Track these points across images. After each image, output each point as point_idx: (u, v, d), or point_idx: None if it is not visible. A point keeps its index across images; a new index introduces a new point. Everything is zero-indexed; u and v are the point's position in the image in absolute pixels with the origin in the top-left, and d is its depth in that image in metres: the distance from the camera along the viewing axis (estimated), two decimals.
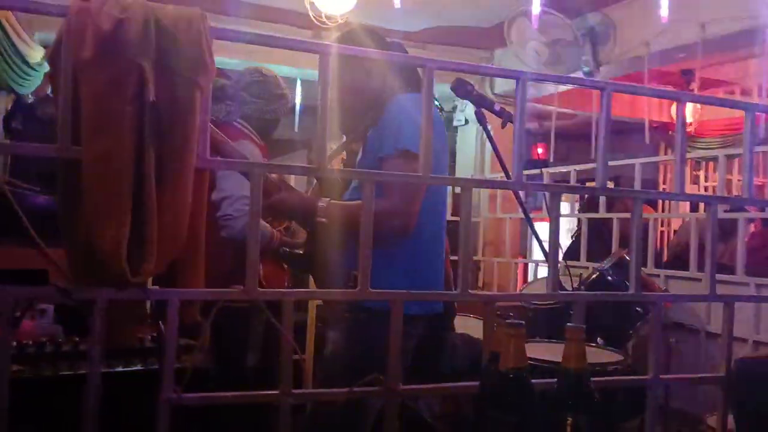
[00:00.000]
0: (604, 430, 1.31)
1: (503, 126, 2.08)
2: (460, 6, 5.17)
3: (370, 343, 1.73)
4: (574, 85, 4.83)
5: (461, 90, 2.11)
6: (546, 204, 1.68)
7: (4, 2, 1.43)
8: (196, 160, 1.25)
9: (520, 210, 2.37)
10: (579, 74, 4.94)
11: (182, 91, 1.21)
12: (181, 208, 1.23)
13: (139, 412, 1.46)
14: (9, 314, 1.24)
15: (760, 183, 6.15)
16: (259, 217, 1.38)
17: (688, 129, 6.36)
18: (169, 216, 1.21)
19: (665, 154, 7.47)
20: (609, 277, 3.42)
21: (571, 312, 1.66)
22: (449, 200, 4.44)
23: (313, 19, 4.53)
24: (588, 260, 4.52)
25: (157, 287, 1.35)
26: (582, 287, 3.35)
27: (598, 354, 2.98)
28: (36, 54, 4.24)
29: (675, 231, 6.60)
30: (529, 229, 2.37)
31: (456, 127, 6.48)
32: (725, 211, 4.05)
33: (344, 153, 2.39)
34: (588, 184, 3.01)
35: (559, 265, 1.61)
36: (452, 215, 3.34)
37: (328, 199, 1.96)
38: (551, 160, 6.13)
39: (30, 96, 4.42)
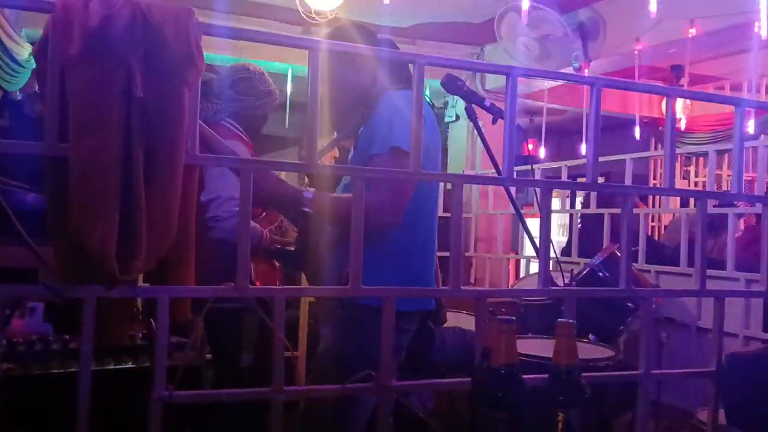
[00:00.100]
0: (596, 425, 1.31)
1: (494, 122, 2.08)
2: (449, 1, 5.17)
3: (363, 339, 1.73)
4: (564, 81, 4.85)
5: (451, 86, 2.11)
6: (537, 200, 1.68)
7: None
8: (185, 156, 1.24)
9: (511, 206, 2.37)
10: (569, 70, 4.94)
11: (170, 87, 1.20)
12: (170, 205, 1.22)
13: (131, 410, 1.45)
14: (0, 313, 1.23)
15: (749, 178, 6.17)
16: (249, 216, 1.37)
17: (678, 124, 6.38)
18: (158, 213, 1.20)
19: (655, 149, 7.49)
20: (600, 273, 3.43)
21: (563, 308, 1.66)
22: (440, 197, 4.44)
23: (303, 15, 4.52)
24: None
25: (147, 285, 1.34)
26: (573, 283, 3.36)
27: (589, 349, 2.99)
28: (23, 51, 4.21)
29: (665, 226, 6.62)
30: (520, 225, 2.37)
31: (447, 124, 6.48)
32: (714, 206, 4.07)
33: (336, 150, 2.39)
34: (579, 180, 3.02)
35: (550, 260, 1.62)
36: (443, 211, 3.34)
37: (313, 189, 1.95)
38: (542, 156, 6.14)
39: (18, 93, 4.39)
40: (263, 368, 2.82)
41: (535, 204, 1.78)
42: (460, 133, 6.46)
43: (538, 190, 1.67)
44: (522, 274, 5.70)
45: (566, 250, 4.99)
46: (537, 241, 1.70)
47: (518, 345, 1.29)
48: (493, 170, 2.11)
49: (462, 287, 1.54)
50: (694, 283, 1.75)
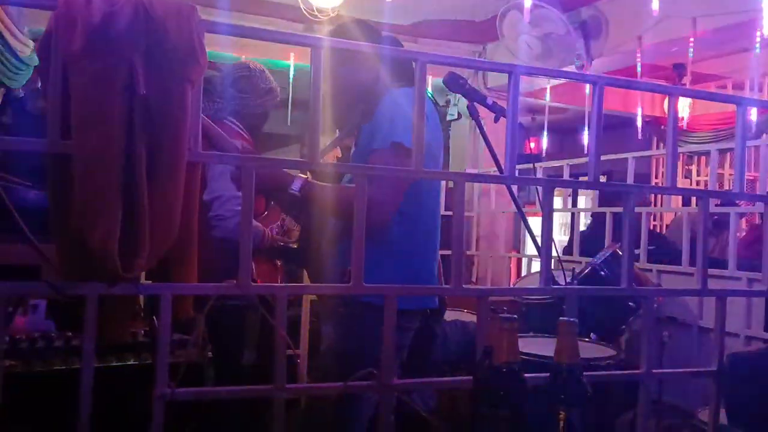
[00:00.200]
0: (597, 424, 1.31)
1: (496, 120, 2.07)
2: None
3: (365, 337, 1.73)
4: (567, 79, 4.84)
5: (453, 84, 2.11)
6: (539, 198, 1.68)
7: None
8: (187, 153, 1.24)
9: (513, 204, 2.37)
10: (571, 68, 4.93)
11: (173, 84, 1.20)
12: (172, 202, 1.22)
13: (133, 407, 1.45)
14: (1, 310, 1.23)
15: (751, 177, 6.16)
16: (251, 213, 1.37)
17: (681, 123, 6.37)
18: (160, 210, 1.20)
19: (657, 148, 7.48)
20: (602, 272, 3.43)
21: (564, 306, 1.66)
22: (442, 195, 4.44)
23: (305, 12, 4.51)
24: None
25: (149, 282, 1.34)
26: (575, 282, 3.36)
27: (591, 348, 2.98)
28: (26, 48, 4.21)
29: (667, 225, 6.61)
30: (522, 223, 2.37)
31: (449, 122, 6.47)
32: (716, 205, 4.06)
33: (339, 149, 2.38)
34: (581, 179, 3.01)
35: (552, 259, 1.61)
36: (445, 210, 3.34)
37: (305, 176, 1.94)
38: (544, 154, 6.14)
39: (20, 90, 4.39)
40: (265, 366, 2.82)
41: (537, 202, 1.78)
42: (462, 131, 6.45)
43: (540, 188, 1.67)
44: (524, 272, 5.70)
45: (568, 249, 4.99)
46: (539, 239, 1.70)
47: (520, 344, 1.29)
48: (495, 168, 2.11)
49: (464, 286, 1.54)
50: (696, 283, 1.75)
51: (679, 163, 7.07)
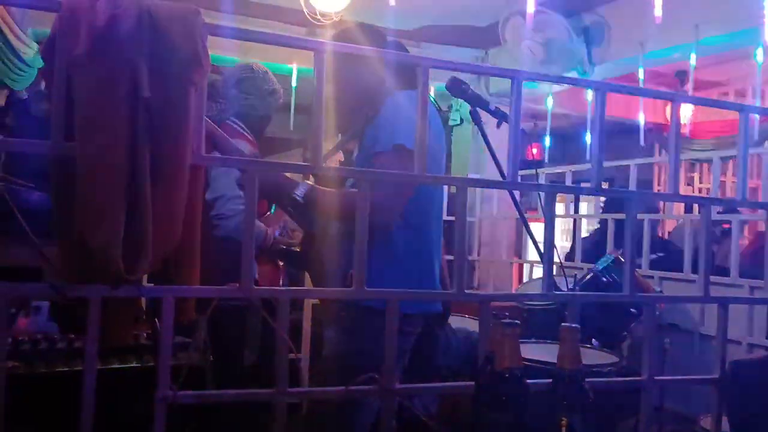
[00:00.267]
0: (599, 430, 1.31)
1: (498, 125, 2.08)
2: (454, 4, 5.17)
3: (367, 341, 1.73)
4: (570, 85, 4.85)
5: (456, 89, 2.11)
6: (541, 204, 1.68)
7: None
8: (190, 156, 1.25)
9: (515, 210, 2.37)
10: (573, 74, 4.94)
11: (176, 87, 1.21)
12: (175, 205, 1.22)
13: (135, 409, 1.45)
14: (4, 311, 1.23)
15: (754, 185, 6.16)
16: (254, 215, 1.38)
17: (683, 130, 6.37)
18: (164, 213, 1.20)
19: (660, 155, 7.48)
20: (604, 278, 3.43)
21: (566, 312, 1.66)
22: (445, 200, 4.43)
23: (308, 16, 4.52)
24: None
25: (152, 285, 1.34)
26: (577, 288, 3.36)
27: (592, 355, 2.98)
28: (30, 49, 4.22)
29: (669, 232, 6.61)
30: (524, 229, 2.37)
31: (451, 127, 6.48)
32: (718, 213, 4.05)
33: (341, 154, 2.38)
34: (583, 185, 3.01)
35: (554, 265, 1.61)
36: (447, 215, 3.34)
37: (309, 183, 1.94)
38: (546, 160, 6.14)
39: (24, 92, 4.40)
40: (265, 367, 2.82)
41: (539, 208, 1.78)
42: (464, 136, 6.46)
43: (542, 194, 1.67)
44: (525, 278, 5.69)
45: (570, 255, 4.99)
46: (541, 245, 1.70)
47: (522, 349, 1.29)
48: (497, 174, 2.11)
49: (466, 291, 1.54)
50: (698, 290, 1.74)
51: (681, 171, 7.08)
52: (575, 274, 3.68)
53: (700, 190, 7.68)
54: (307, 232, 2.16)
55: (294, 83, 5.50)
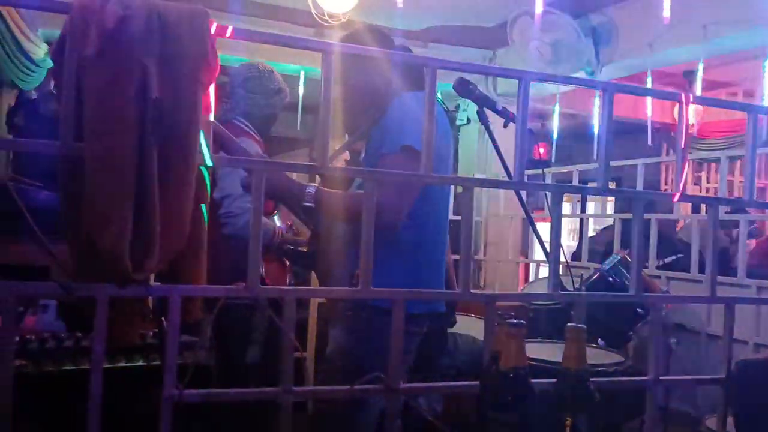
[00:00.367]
0: (604, 430, 1.31)
1: (505, 126, 2.08)
2: (462, 5, 5.16)
3: (373, 341, 1.74)
4: (577, 86, 4.84)
5: (463, 89, 2.11)
6: (548, 204, 1.68)
7: None
8: (198, 157, 1.25)
9: (521, 210, 2.37)
10: (581, 74, 4.93)
11: (185, 88, 1.21)
12: (183, 205, 1.23)
13: (142, 408, 1.46)
14: (12, 310, 1.24)
15: (761, 185, 6.14)
16: (261, 215, 1.38)
17: (691, 131, 6.35)
18: (171, 213, 1.21)
19: (668, 155, 7.46)
20: (610, 278, 3.42)
21: (572, 312, 1.66)
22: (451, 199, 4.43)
23: (316, 17, 4.53)
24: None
25: (159, 284, 1.35)
26: (583, 288, 3.35)
27: (598, 355, 2.98)
28: (39, 50, 4.24)
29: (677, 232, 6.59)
30: (530, 228, 2.37)
31: (458, 126, 6.48)
32: (726, 213, 4.04)
33: (348, 153, 2.39)
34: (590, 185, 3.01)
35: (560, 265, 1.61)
36: (454, 214, 3.34)
37: (316, 185, 1.95)
38: (553, 160, 6.13)
39: (33, 92, 4.42)
40: (269, 365, 2.83)
41: (546, 208, 1.78)
42: (471, 136, 6.45)
43: (548, 194, 1.67)
44: (531, 278, 5.69)
45: (577, 255, 4.98)
46: (547, 245, 1.70)
47: (527, 349, 1.29)
48: (504, 174, 2.12)
49: (472, 290, 1.54)
50: (705, 290, 1.74)
51: (689, 170, 7.05)
52: (581, 274, 3.68)
53: (707, 190, 7.67)
54: (314, 232, 2.17)
55: (302, 84, 5.51)
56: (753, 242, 5.26)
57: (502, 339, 1.27)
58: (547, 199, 1.69)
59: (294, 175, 2.16)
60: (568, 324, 1.32)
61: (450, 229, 2.18)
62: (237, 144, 1.92)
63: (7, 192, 1.37)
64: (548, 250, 1.65)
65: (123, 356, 2.15)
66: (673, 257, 4.48)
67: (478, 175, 6.08)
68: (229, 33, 1.32)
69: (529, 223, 2.34)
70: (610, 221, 5.06)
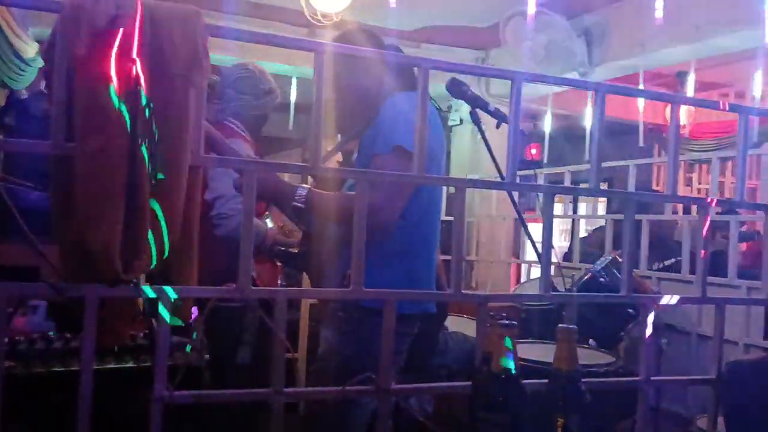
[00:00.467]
0: (595, 431, 1.31)
1: (498, 126, 2.08)
2: (455, 5, 5.17)
3: (364, 341, 1.73)
4: (569, 86, 4.86)
5: (456, 90, 2.12)
6: (539, 205, 1.68)
7: None
8: (190, 157, 1.25)
9: (513, 210, 2.37)
10: (574, 75, 4.94)
11: (176, 88, 1.21)
12: (174, 205, 1.23)
13: (131, 409, 1.45)
14: (2, 311, 1.23)
15: (752, 186, 6.16)
16: (252, 216, 1.38)
17: (683, 131, 6.37)
18: (162, 214, 1.21)
19: (659, 156, 7.49)
20: (601, 279, 3.43)
21: (564, 313, 1.66)
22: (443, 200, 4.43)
23: (308, 17, 4.52)
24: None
25: (149, 284, 1.34)
26: (574, 288, 3.36)
27: (589, 355, 2.99)
28: (30, 49, 4.21)
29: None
30: (522, 229, 2.37)
31: (451, 127, 6.48)
32: (717, 213, 4.06)
33: (340, 154, 2.39)
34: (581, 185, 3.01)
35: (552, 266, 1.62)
36: (446, 215, 3.34)
37: (308, 186, 1.95)
38: (545, 160, 6.14)
39: (24, 92, 4.40)
40: (260, 366, 2.83)
41: (538, 209, 1.78)
42: (463, 136, 6.46)
43: (540, 195, 1.67)
44: (523, 278, 5.70)
45: (568, 255, 4.99)
46: (539, 245, 1.70)
47: (518, 350, 1.29)
48: (496, 174, 2.12)
49: (463, 291, 1.54)
50: (696, 290, 1.75)
51: (680, 171, 7.08)
52: (573, 275, 3.69)
53: (698, 191, 7.69)
54: (306, 233, 2.17)
55: (294, 84, 5.50)
56: (744, 245, 5.29)
57: (493, 340, 1.27)
58: (538, 199, 1.69)
59: (286, 176, 2.16)
60: (560, 325, 1.32)
61: (442, 229, 2.18)
62: (228, 145, 1.91)
63: None
64: (540, 250, 1.66)
65: (113, 357, 2.14)
66: (672, 260, 4.49)
67: (470, 176, 6.08)
68: (220, 32, 1.31)
69: (521, 223, 2.35)
70: (602, 222, 5.06)
